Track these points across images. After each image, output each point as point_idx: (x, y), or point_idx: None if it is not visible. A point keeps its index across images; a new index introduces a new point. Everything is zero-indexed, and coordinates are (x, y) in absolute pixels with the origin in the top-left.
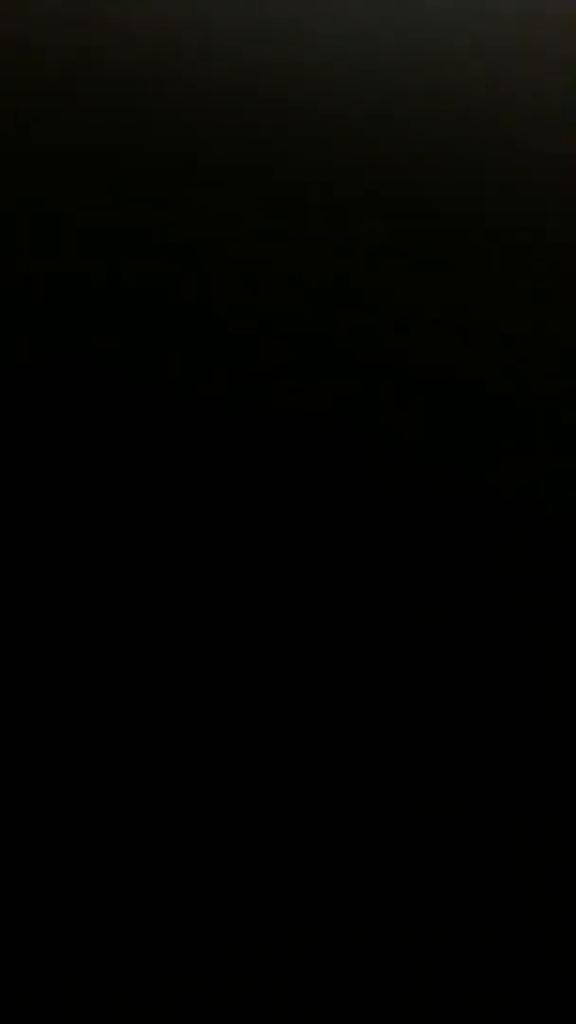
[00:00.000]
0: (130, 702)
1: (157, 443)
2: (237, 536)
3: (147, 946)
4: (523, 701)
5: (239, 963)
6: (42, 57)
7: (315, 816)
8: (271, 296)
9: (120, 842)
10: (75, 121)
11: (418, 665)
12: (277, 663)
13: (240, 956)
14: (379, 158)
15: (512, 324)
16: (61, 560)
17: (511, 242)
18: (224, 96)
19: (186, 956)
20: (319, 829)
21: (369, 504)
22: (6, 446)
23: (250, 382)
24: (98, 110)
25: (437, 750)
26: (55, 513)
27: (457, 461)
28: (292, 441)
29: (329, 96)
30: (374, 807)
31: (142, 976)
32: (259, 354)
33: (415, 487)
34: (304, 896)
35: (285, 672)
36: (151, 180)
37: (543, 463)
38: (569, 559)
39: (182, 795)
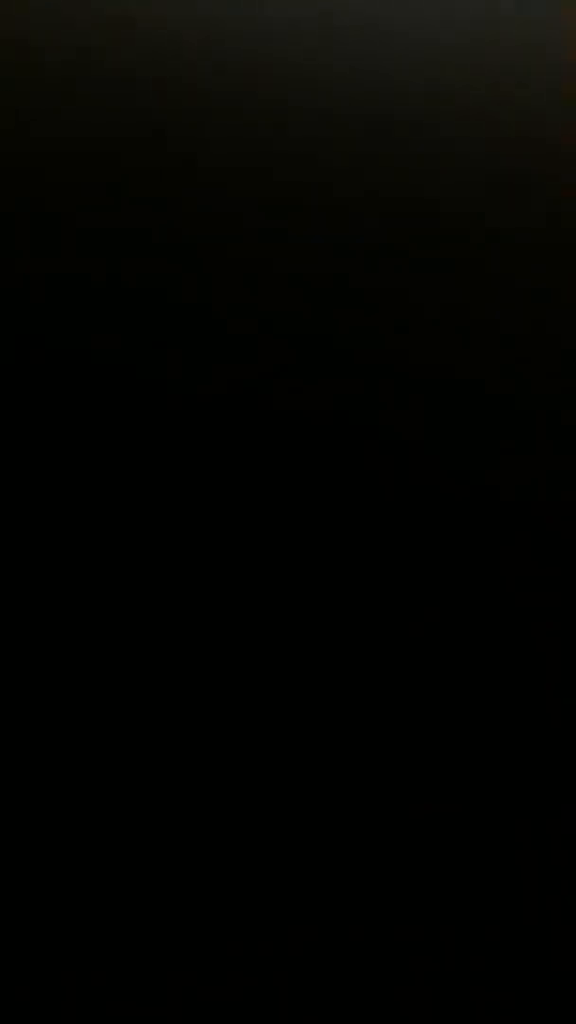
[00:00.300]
0: (130, 701)
1: (157, 443)
2: (238, 536)
3: (147, 946)
4: (523, 701)
5: (239, 963)
6: (42, 57)
7: (315, 816)
8: (271, 296)
9: (120, 842)
10: (75, 121)
11: (418, 665)
12: (277, 662)
13: (240, 956)
14: (379, 158)
15: (512, 324)
16: (61, 559)
17: (511, 242)
18: (224, 96)
19: (186, 956)
20: (319, 829)
21: (369, 504)
22: (6, 446)
23: (250, 382)
24: (98, 110)
25: (437, 750)
26: (55, 512)
27: (457, 461)
28: (292, 441)
29: (328, 96)
30: (374, 807)
31: (142, 976)
32: (259, 354)
33: (415, 487)
34: (304, 896)
35: (285, 671)
36: (151, 180)
37: (543, 463)
38: (569, 559)
39: (182, 795)
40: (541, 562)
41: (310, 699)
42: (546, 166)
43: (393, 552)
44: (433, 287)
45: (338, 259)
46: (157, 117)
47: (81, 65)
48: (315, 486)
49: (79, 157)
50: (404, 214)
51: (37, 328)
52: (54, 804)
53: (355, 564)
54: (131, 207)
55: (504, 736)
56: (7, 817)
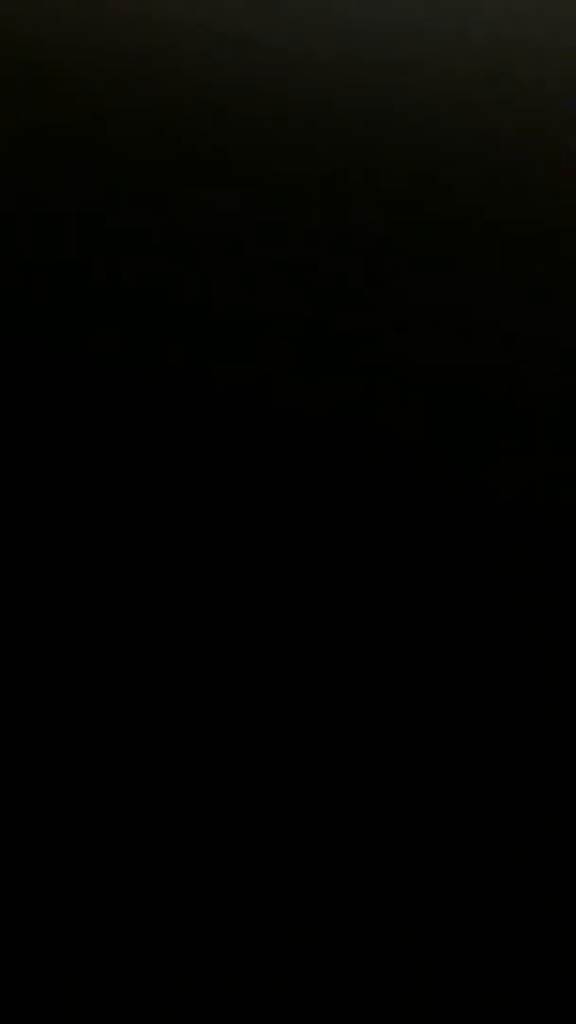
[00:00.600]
0: (130, 700)
1: (157, 443)
2: (238, 536)
3: (147, 946)
4: (523, 701)
5: (239, 963)
6: (43, 57)
7: (315, 816)
8: (271, 295)
9: (120, 842)
10: (75, 121)
11: (418, 664)
12: (277, 662)
13: (240, 956)
14: (379, 158)
15: (512, 324)
16: (61, 557)
17: (511, 242)
18: (223, 94)
19: (186, 956)
20: (319, 829)
21: (369, 504)
22: (6, 445)
23: (250, 382)
24: (98, 109)
25: (437, 750)
26: (55, 512)
27: (457, 461)
28: (292, 441)
29: (328, 96)
30: (374, 807)
31: (142, 976)
32: (259, 354)
33: (415, 487)
34: (304, 896)
35: (285, 671)
36: (151, 179)
37: (543, 463)
38: (569, 559)
39: (182, 795)
40: (541, 562)
41: (310, 698)
42: (546, 165)
43: (393, 552)
44: (433, 286)
45: (338, 259)
46: (157, 116)
47: (81, 64)
48: (315, 486)
49: (79, 157)
50: (404, 214)
51: (37, 328)
52: (54, 804)
53: (355, 564)
54: (131, 207)
55: (504, 736)
56: (7, 817)
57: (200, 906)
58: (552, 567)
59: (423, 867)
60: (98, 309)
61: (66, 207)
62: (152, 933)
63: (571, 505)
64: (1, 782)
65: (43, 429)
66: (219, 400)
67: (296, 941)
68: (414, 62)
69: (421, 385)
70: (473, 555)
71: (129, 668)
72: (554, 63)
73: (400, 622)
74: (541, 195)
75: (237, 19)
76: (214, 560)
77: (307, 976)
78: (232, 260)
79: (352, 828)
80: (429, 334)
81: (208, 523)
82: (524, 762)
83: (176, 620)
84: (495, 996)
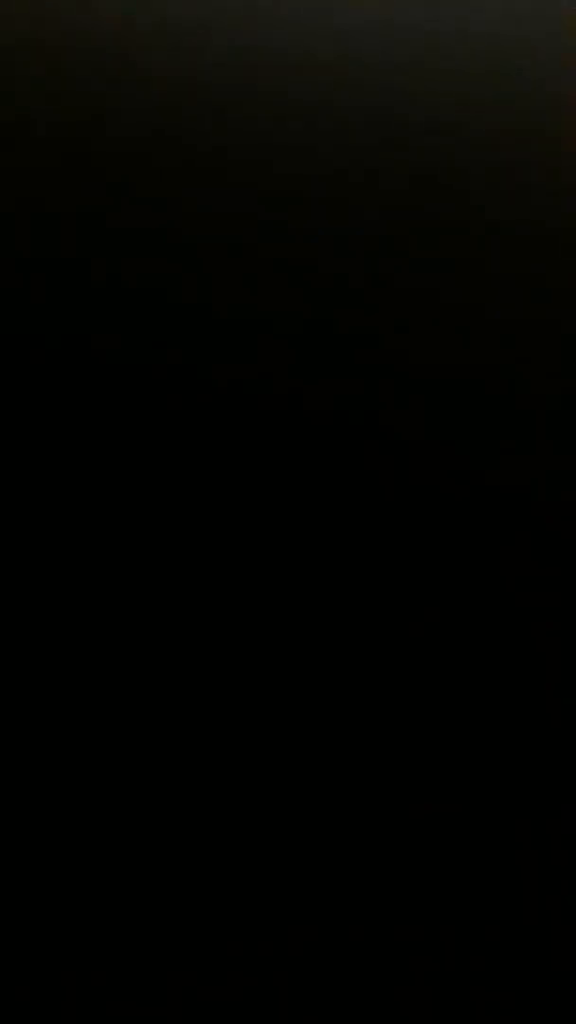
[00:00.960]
0: (130, 700)
1: (157, 443)
2: (238, 535)
3: (147, 946)
4: (523, 701)
5: (239, 963)
6: (43, 56)
7: (315, 816)
8: (271, 295)
9: (120, 842)
10: (75, 121)
11: (418, 664)
12: (277, 661)
13: (240, 956)
14: (379, 158)
15: (512, 324)
16: (62, 557)
17: (511, 242)
18: (223, 92)
19: (186, 956)
20: (319, 829)
21: (369, 504)
22: (7, 445)
23: (250, 381)
24: (98, 109)
25: (437, 749)
26: (56, 512)
27: (457, 461)
28: (292, 440)
29: (328, 96)
30: (374, 807)
31: (142, 976)
32: (259, 353)
33: (415, 487)
34: (304, 896)
35: (285, 670)
36: (151, 180)
37: (543, 463)
38: (569, 559)
39: (182, 795)
40: (541, 562)
41: (310, 698)
42: (547, 165)
43: (393, 552)
44: (433, 286)
45: (338, 258)
46: (157, 117)
47: (81, 64)
48: (315, 486)
49: (79, 157)
50: (404, 214)
51: (37, 328)
52: (54, 804)
53: (355, 564)
54: (131, 207)
55: (504, 735)
56: (7, 817)
57: (200, 906)
58: (552, 567)
59: (423, 867)
60: (98, 309)
61: (66, 207)
62: (152, 933)
63: (571, 505)
64: (1, 782)
65: (43, 429)
66: (219, 400)
67: (296, 941)
68: (414, 62)
69: (421, 385)
70: (473, 555)
71: (129, 665)
72: (554, 63)
73: (400, 622)
74: (541, 195)
75: (237, 19)
76: (215, 560)
77: (307, 976)
78: (232, 260)
79: (352, 828)
80: (429, 334)
81: (208, 523)
82: (524, 762)
83: (177, 619)
84: (495, 996)
